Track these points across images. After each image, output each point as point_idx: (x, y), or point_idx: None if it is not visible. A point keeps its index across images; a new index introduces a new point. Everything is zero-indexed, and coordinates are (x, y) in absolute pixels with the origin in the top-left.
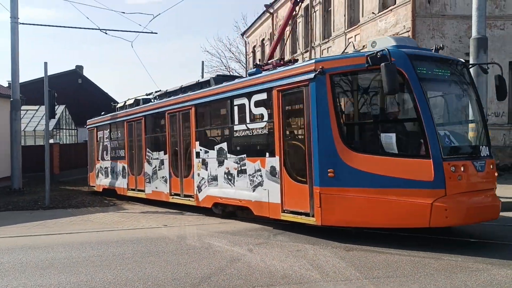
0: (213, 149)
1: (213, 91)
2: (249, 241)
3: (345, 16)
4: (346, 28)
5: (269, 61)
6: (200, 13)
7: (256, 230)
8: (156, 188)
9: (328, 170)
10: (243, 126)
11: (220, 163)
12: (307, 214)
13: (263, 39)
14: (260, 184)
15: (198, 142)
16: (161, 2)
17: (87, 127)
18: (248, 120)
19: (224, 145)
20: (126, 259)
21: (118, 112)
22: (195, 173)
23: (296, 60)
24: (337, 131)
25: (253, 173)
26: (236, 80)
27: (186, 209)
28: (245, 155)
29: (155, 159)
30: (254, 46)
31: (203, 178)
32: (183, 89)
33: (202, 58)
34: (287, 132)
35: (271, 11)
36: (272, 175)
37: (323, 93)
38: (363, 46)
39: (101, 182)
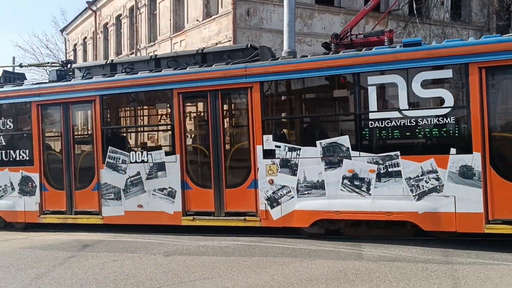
0: (313, 145)
1: (308, 64)
2: (60, 254)
3: (170, 21)
4: (172, 33)
5: (350, 35)
6: (11, 4)
7: (69, 242)
8: (142, 207)
9: None
10: (393, 114)
11: (333, 164)
12: None
13: (85, 37)
14: (436, 189)
15: (270, 135)
16: None
17: None
18: (405, 106)
19: (343, 140)
20: None
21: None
22: (259, 181)
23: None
24: None
25: (417, 176)
26: (374, 51)
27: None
28: (397, 153)
29: (136, 162)
30: (75, 44)
31: (283, 186)
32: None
33: (12, 53)
34: (496, 121)
35: (94, 8)
36: (464, 177)
37: None
38: None
39: None
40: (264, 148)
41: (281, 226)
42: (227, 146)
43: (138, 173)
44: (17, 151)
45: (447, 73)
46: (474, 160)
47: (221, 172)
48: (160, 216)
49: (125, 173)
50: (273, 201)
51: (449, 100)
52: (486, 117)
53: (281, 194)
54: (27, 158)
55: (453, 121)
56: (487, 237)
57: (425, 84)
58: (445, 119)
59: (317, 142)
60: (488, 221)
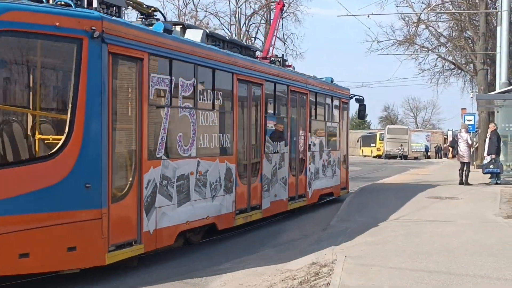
0: (318, 142)
1: (318, 83)
2: None
3: None
4: None
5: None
6: None
7: None
8: (276, 196)
9: None
10: (323, 124)
11: (320, 155)
12: None
13: None
14: (335, 171)
15: (310, 132)
16: None
17: None
18: (328, 119)
19: (323, 139)
20: None
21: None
22: (307, 168)
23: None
24: None
25: (333, 163)
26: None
27: None
28: (330, 148)
29: (275, 152)
30: None
31: (312, 172)
32: None
33: None
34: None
35: None
36: (339, 163)
37: None
38: None
39: None
40: (308, 142)
41: (311, 203)
42: (297, 139)
43: (276, 164)
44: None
45: (338, 102)
46: (342, 154)
47: (297, 161)
48: (281, 204)
49: (271, 163)
50: (309, 184)
51: (338, 118)
52: (347, 128)
53: (311, 178)
54: None
55: (338, 130)
56: None
57: (334, 107)
58: (336, 129)
59: (318, 139)
60: (344, 188)
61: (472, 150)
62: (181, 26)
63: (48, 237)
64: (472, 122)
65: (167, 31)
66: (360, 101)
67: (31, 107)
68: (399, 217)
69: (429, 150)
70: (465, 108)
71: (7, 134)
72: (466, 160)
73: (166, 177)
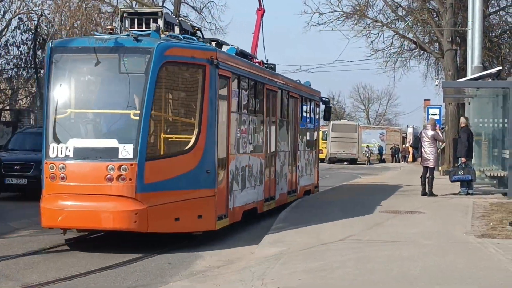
0: (303, 142)
1: (304, 88)
2: None
3: None
4: None
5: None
6: None
7: None
8: (282, 189)
9: None
10: (308, 125)
11: (304, 155)
12: None
13: None
14: (311, 170)
15: (299, 133)
16: None
17: None
18: (309, 120)
19: (305, 140)
20: None
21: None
22: (298, 166)
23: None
24: None
25: (310, 162)
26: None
27: None
28: (309, 149)
29: (282, 151)
30: None
31: (300, 170)
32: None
33: None
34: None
35: None
36: (314, 165)
37: None
38: None
39: None
40: (298, 142)
41: (298, 198)
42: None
43: (283, 160)
44: None
45: (313, 105)
46: (316, 154)
47: (293, 159)
48: (283, 196)
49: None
50: (299, 180)
51: (314, 119)
52: (319, 129)
53: (300, 175)
54: None
55: (314, 131)
56: None
57: (312, 109)
58: (313, 130)
59: (303, 139)
60: (316, 187)
61: (438, 151)
62: (215, 42)
63: (189, 207)
64: (437, 117)
65: (237, 53)
66: (327, 102)
67: (177, 114)
68: (347, 236)
69: (384, 152)
70: (428, 99)
71: (160, 133)
72: (430, 164)
73: (237, 168)
